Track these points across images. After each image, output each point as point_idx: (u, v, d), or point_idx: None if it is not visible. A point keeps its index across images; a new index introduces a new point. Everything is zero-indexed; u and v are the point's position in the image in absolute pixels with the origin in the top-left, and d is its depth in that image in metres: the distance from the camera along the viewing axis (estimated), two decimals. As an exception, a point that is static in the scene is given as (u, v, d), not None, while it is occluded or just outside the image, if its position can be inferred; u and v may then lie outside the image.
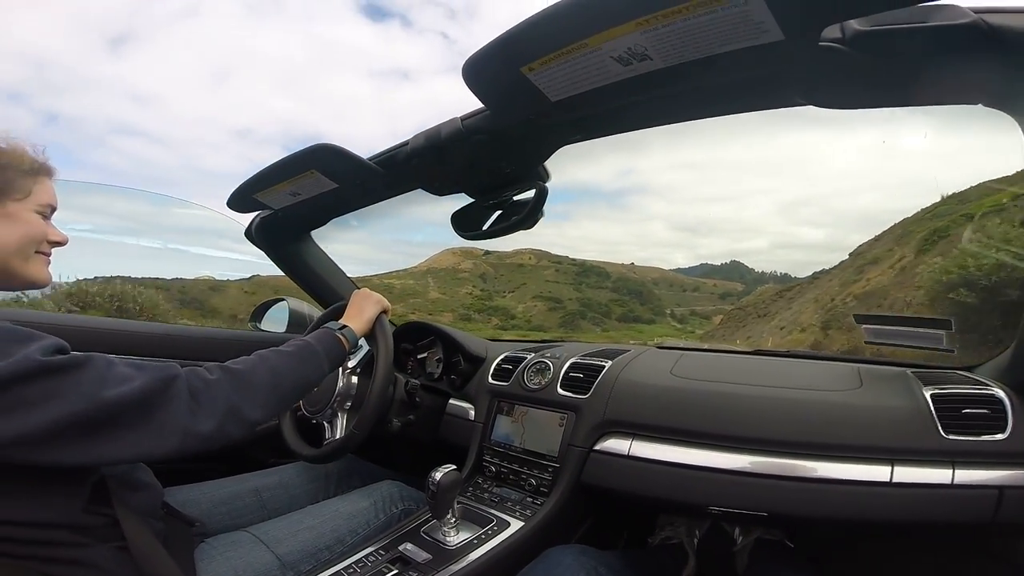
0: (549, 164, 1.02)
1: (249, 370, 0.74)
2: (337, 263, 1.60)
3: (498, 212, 1.15)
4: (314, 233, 1.52)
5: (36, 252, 0.78)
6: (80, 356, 0.61)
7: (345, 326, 0.99)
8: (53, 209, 0.82)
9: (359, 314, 1.06)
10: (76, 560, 0.64)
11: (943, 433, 0.81)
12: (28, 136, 0.79)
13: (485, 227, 1.15)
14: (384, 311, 1.12)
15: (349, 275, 1.63)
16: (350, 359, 1.16)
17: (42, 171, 0.79)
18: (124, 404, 0.60)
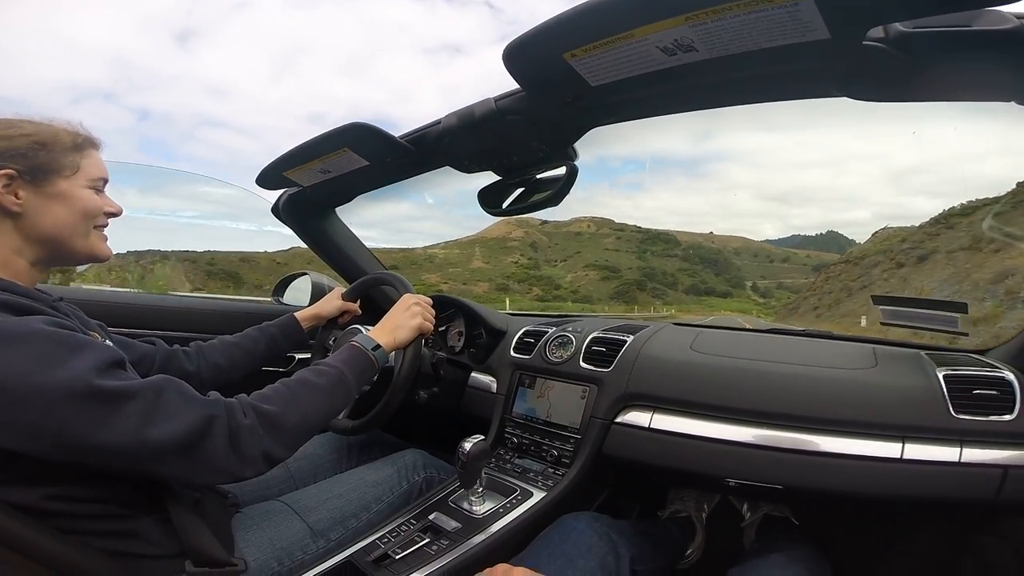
0: (590, 138, 1.01)
1: (281, 413, 0.73)
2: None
3: (522, 189, 1.17)
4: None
5: (94, 227, 0.79)
6: (131, 387, 0.61)
7: (379, 347, 0.94)
8: (105, 181, 0.81)
9: (393, 332, 1.00)
10: (125, 532, 0.68)
11: (953, 413, 0.83)
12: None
13: (511, 204, 1.18)
14: (422, 335, 1.05)
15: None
16: None
17: (87, 144, 0.79)
18: (167, 445, 0.62)
